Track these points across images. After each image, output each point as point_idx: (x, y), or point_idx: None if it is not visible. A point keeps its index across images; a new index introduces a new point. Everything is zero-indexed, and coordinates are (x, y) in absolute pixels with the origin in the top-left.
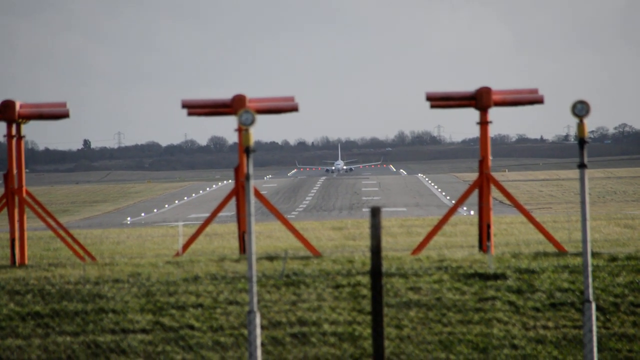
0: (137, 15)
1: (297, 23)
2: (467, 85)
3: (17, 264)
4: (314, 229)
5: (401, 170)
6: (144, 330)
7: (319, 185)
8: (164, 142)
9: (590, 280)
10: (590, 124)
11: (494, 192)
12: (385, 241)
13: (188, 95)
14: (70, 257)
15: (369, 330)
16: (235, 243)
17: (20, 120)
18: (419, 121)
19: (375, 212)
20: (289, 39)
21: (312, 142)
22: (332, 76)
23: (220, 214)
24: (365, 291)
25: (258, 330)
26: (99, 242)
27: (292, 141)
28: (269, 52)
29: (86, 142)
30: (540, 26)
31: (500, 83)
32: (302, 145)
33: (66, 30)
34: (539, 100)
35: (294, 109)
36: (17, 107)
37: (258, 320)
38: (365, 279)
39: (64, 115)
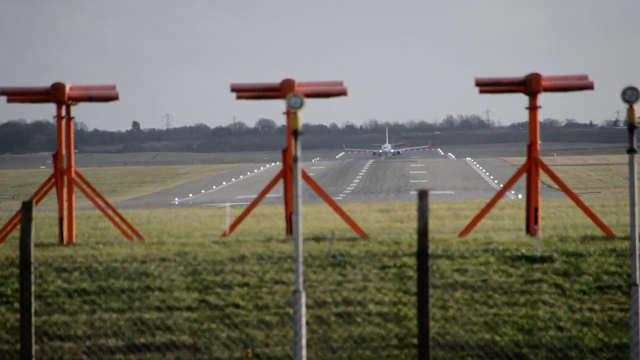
0: None
1: (345, 7)
2: (514, 71)
3: (65, 242)
4: (361, 211)
5: (449, 153)
6: (189, 308)
7: (366, 168)
8: (212, 125)
9: (637, 263)
10: None
11: (542, 176)
12: (432, 224)
13: (235, 79)
14: (117, 235)
15: (414, 311)
16: (282, 224)
17: (70, 102)
18: (467, 105)
19: (422, 195)
20: (338, 23)
21: (361, 126)
22: (381, 60)
23: (268, 195)
24: (411, 272)
25: (303, 310)
26: (146, 221)
27: (340, 124)
28: (318, 37)
29: (135, 124)
30: (587, 10)
31: (547, 69)
32: (350, 128)
33: (115, 15)
34: (589, 86)
35: (342, 93)
36: (67, 90)
37: (304, 300)
38: (412, 261)
39: (114, 97)
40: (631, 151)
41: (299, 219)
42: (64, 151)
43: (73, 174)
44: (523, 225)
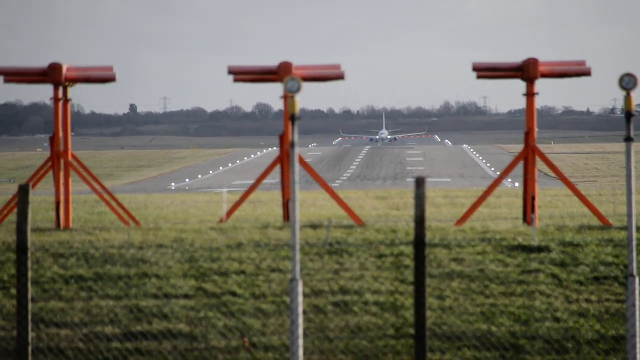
0: None
1: None
2: (513, 57)
3: (61, 227)
4: (358, 198)
5: (446, 140)
6: (186, 296)
7: (363, 154)
8: (209, 108)
9: (634, 254)
10: (638, 97)
11: (540, 165)
12: (429, 212)
13: (234, 62)
14: (114, 221)
15: (411, 301)
16: (279, 211)
17: (67, 83)
18: (465, 92)
19: (419, 183)
20: (335, 6)
21: (358, 111)
22: (378, 45)
23: (265, 181)
24: (408, 261)
25: (300, 299)
26: (143, 207)
27: (338, 110)
28: (316, 20)
29: (132, 107)
30: None
31: (545, 54)
32: (347, 114)
33: None
34: (587, 73)
35: (340, 77)
36: (64, 71)
37: (300, 289)
38: (409, 249)
39: (111, 79)
40: (629, 140)
41: (296, 206)
42: (61, 134)
43: (70, 158)
44: (520, 214)
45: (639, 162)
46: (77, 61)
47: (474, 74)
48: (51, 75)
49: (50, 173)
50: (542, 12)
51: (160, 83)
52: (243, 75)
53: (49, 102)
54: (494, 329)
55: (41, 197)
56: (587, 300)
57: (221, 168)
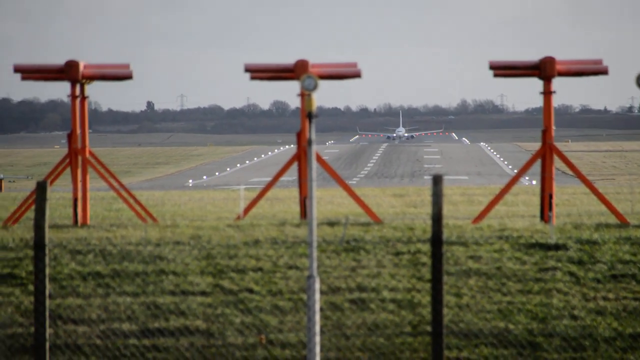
0: None
1: None
2: (528, 54)
3: (79, 223)
4: (375, 195)
5: (463, 138)
6: (203, 293)
7: (380, 152)
8: (226, 106)
9: None
10: None
11: (557, 163)
12: (447, 209)
13: (250, 59)
14: (131, 218)
15: (427, 298)
16: (296, 208)
17: (83, 80)
18: (481, 90)
19: (437, 180)
20: (351, 5)
21: (375, 109)
22: (395, 43)
23: (282, 178)
24: (425, 259)
25: (317, 295)
26: (160, 203)
27: (354, 107)
28: (333, 19)
29: (149, 104)
30: None
31: (561, 53)
32: (364, 111)
33: None
34: (603, 71)
35: (356, 75)
36: (81, 68)
37: (317, 286)
38: (426, 247)
39: (127, 76)
40: None
41: (313, 203)
42: (78, 131)
43: (87, 155)
44: (537, 211)
45: None
46: (93, 58)
47: (491, 72)
48: (68, 72)
49: (68, 170)
50: (559, 9)
51: (177, 80)
52: (260, 72)
53: (66, 99)
54: (510, 326)
55: (59, 194)
56: (605, 298)
57: (238, 165)
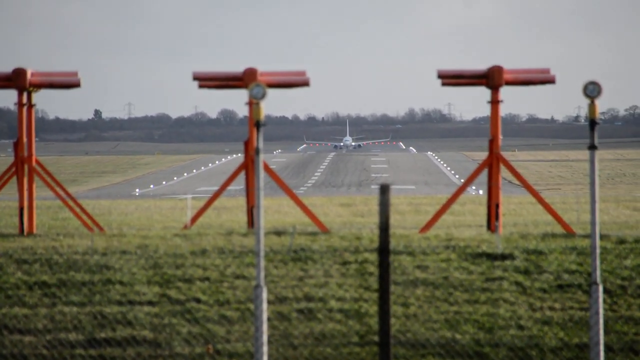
0: None
1: None
2: (476, 64)
3: (25, 233)
4: (323, 204)
5: (410, 147)
6: (150, 303)
7: (328, 161)
8: (174, 114)
9: (598, 262)
10: (601, 106)
11: (504, 172)
12: (394, 219)
13: (198, 68)
14: (78, 227)
15: (375, 308)
16: (243, 217)
17: (31, 88)
18: (429, 99)
19: (384, 189)
20: (300, 13)
21: (322, 118)
22: (343, 51)
23: (229, 187)
24: (372, 268)
25: (264, 305)
26: (107, 212)
27: (302, 116)
28: (280, 26)
29: (97, 112)
30: (550, 6)
31: (509, 62)
32: (312, 120)
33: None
34: (551, 80)
35: (305, 83)
36: (29, 75)
37: (265, 295)
38: (373, 256)
39: (75, 84)
40: (592, 147)
41: (261, 213)
42: (24, 139)
43: (34, 163)
44: (484, 221)
45: (602, 170)
46: (41, 66)
47: (439, 81)
48: (15, 80)
49: (14, 178)
50: (507, 19)
51: (125, 88)
52: (208, 81)
53: (12, 107)
54: (458, 336)
55: (4, 203)
56: (551, 308)
57: (185, 174)
